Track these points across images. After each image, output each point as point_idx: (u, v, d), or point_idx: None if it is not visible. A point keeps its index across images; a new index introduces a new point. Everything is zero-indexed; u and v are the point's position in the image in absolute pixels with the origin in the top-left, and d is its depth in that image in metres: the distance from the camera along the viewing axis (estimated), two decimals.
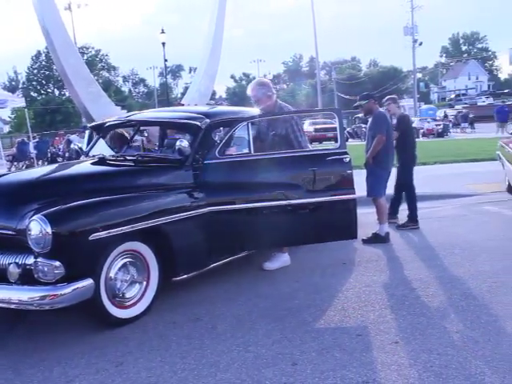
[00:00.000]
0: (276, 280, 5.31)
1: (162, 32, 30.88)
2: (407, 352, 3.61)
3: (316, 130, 32.37)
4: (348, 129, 35.93)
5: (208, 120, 5.28)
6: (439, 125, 34.30)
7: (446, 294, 4.70)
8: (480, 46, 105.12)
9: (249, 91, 5.81)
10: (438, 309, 4.37)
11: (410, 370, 3.35)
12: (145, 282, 4.48)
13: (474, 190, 10.07)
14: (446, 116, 39.82)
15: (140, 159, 5.30)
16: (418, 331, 3.93)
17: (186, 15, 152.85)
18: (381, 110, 7.03)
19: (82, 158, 5.91)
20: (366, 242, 6.56)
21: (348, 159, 5.32)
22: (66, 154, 17.21)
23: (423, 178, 10.23)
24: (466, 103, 61.58)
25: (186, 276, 4.75)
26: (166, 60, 31.50)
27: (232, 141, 5.49)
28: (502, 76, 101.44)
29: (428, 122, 33.46)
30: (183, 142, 5.00)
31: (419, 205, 7.57)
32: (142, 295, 4.45)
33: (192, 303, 4.74)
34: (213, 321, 4.31)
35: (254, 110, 5.83)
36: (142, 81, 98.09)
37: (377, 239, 6.56)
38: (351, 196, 5.27)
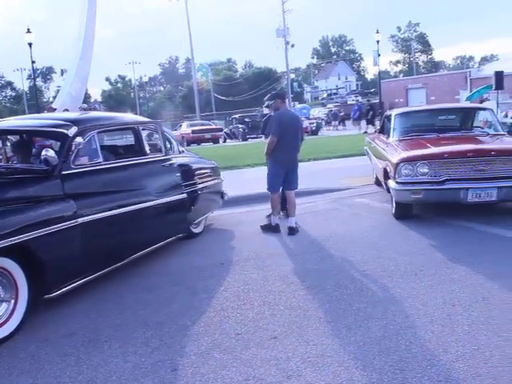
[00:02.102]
0: (154, 285, 5.22)
1: (28, 31, 28.88)
2: (285, 346, 3.70)
3: (194, 132, 32.62)
4: (225, 129, 36.38)
5: (76, 127, 5.07)
6: (312, 123, 35.74)
7: (321, 285, 4.90)
8: (347, 48, 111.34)
9: None
10: (313, 301, 4.53)
11: (289, 363, 3.45)
12: (13, 301, 4.18)
13: (346, 184, 10.62)
14: (309, 118, 41.36)
15: (2, 171, 4.95)
16: (296, 324, 4.06)
17: (55, 13, 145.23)
18: (287, 109, 7.61)
19: None
20: (262, 228, 7.29)
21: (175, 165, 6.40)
22: None
23: (299, 175, 10.54)
24: (337, 102, 65.04)
25: (59, 292, 4.52)
26: (33, 62, 29.53)
27: (92, 149, 5.33)
28: (369, 76, 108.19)
29: (302, 120, 34.66)
30: (49, 152, 4.72)
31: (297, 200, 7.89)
32: (11, 315, 4.15)
33: (66, 317, 4.51)
34: (89, 334, 4.13)
35: (128, 116, 5.74)
36: (9, 84, 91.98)
37: (268, 228, 7.23)
38: (180, 196, 6.34)
